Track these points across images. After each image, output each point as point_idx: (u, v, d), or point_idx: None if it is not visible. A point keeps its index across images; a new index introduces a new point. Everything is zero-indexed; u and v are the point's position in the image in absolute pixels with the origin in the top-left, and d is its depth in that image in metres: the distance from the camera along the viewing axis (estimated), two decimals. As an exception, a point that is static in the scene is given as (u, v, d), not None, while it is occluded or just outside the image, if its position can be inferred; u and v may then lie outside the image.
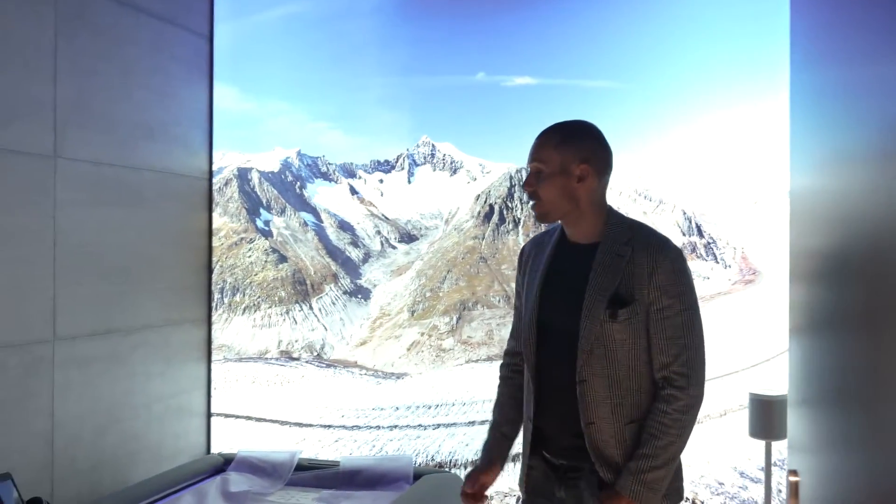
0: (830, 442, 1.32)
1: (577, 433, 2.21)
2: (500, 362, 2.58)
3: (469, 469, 2.57)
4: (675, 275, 2.17)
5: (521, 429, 2.45)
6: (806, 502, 1.55)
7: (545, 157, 2.23)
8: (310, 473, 4.05)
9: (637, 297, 2.15)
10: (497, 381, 2.57)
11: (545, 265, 2.33)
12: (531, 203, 2.29)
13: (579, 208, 2.25)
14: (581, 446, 2.21)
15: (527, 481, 2.40)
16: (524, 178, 2.28)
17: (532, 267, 2.39)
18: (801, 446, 1.67)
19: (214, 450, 4.51)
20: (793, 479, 1.60)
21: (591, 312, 2.16)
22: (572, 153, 2.23)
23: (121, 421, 3.86)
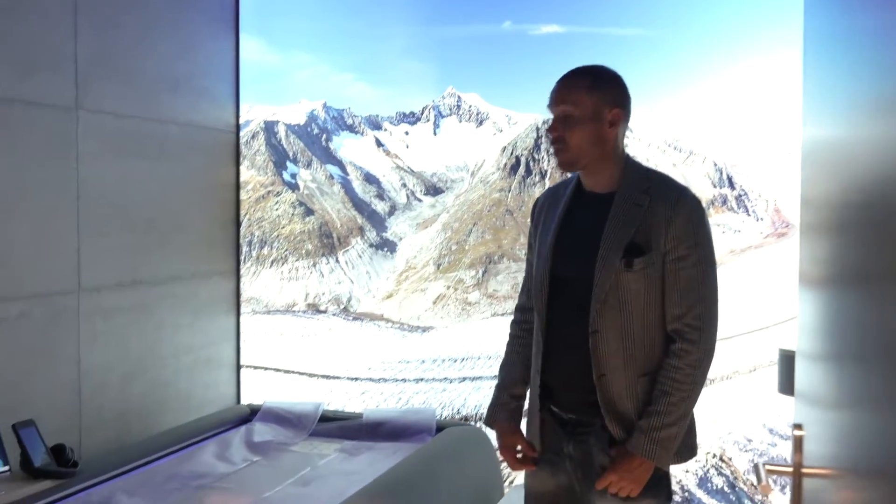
0: (838, 398, 1.30)
1: (588, 387, 2.16)
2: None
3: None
4: (692, 225, 2.11)
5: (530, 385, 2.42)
6: (810, 457, 1.53)
7: (576, 100, 2.14)
8: (333, 425, 4.09)
9: (654, 247, 2.10)
10: (507, 339, 2.51)
11: (560, 216, 2.27)
12: (554, 150, 2.20)
13: (604, 156, 2.19)
14: (591, 401, 2.16)
15: (533, 436, 2.36)
16: (551, 122, 2.18)
17: (546, 219, 2.33)
18: (808, 400, 1.64)
19: (244, 401, 4.56)
20: (797, 433, 1.58)
21: (607, 261, 2.11)
22: (604, 97, 2.16)
23: (149, 371, 3.90)
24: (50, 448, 2.74)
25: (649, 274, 2.10)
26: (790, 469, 1.53)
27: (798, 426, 1.58)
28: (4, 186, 3.14)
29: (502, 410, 2.41)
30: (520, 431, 2.39)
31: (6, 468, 2.52)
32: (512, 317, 2.53)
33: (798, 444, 1.54)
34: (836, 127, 1.43)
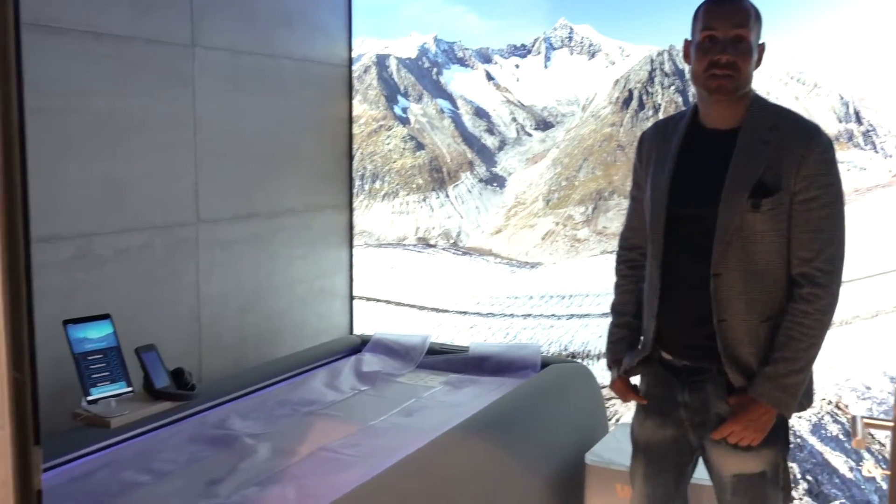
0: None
1: (706, 332, 2.10)
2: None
3: (605, 363, 2.50)
4: (825, 164, 2.02)
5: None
6: None
7: (749, 25, 2.05)
8: (440, 357, 4.16)
9: (783, 186, 2.01)
10: (615, 279, 2.47)
11: (675, 152, 2.18)
12: (724, 74, 2.05)
13: (746, 89, 2.11)
14: (708, 346, 2.10)
15: (642, 384, 2.34)
16: (714, 45, 2.04)
17: (658, 155, 2.23)
18: None
19: (356, 332, 4.68)
20: None
21: (731, 201, 2.03)
22: (760, 29, 2.10)
23: (264, 300, 4.04)
24: (170, 371, 2.87)
25: (777, 214, 2.02)
26: (891, 423, 1.47)
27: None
28: (126, 122, 3.27)
29: (622, 345, 2.38)
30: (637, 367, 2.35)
31: (129, 389, 2.67)
32: (616, 255, 2.49)
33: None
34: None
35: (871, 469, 2.66)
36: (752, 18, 2.06)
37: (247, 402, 3.48)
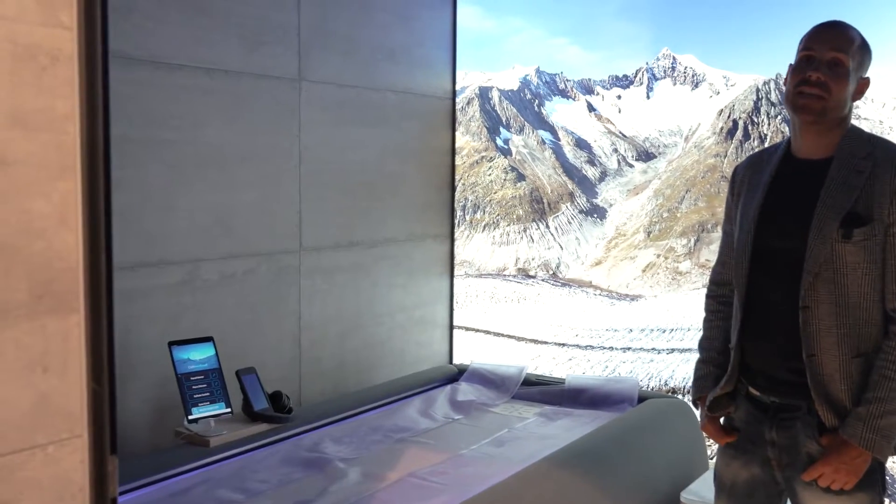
0: None
1: (794, 367, 2.02)
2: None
3: (693, 400, 2.44)
4: None
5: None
6: None
7: (851, 51, 2.00)
8: (536, 389, 4.13)
9: (876, 216, 1.92)
10: (704, 314, 2.40)
11: (766, 184, 2.12)
12: (808, 93, 1.99)
13: (841, 120, 2.04)
14: (797, 382, 2.02)
15: (730, 423, 2.25)
16: (809, 64, 1.98)
17: (750, 187, 2.17)
18: None
19: (456, 360, 4.70)
20: None
21: (822, 231, 1.95)
22: (864, 61, 2.04)
23: (364, 327, 4.10)
24: (268, 394, 2.96)
25: (869, 246, 1.93)
26: None
27: None
28: (235, 153, 3.39)
29: (708, 381, 2.30)
30: (732, 407, 2.27)
31: (229, 410, 2.76)
32: (706, 290, 2.44)
33: None
34: None
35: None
36: (854, 45, 2.01)
37: (341, 427, 3.54)
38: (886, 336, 1.97)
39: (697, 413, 2.39)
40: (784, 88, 2.13)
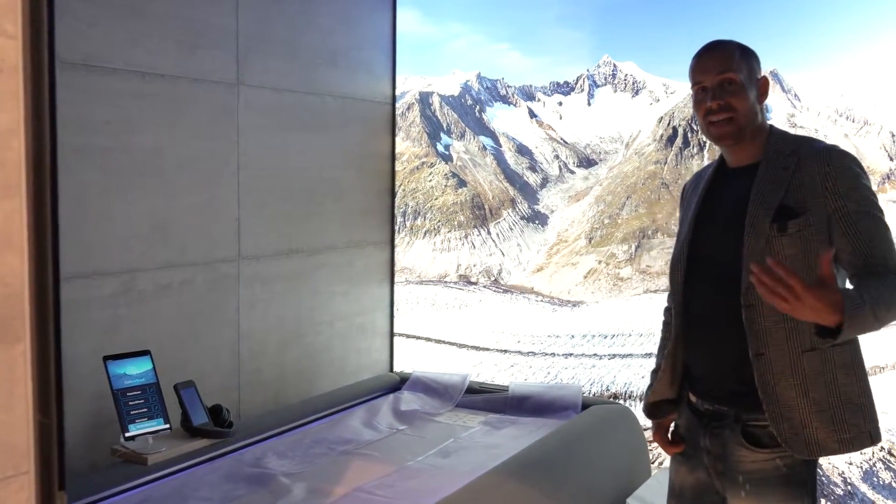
0: None
1: (739, 372, 2.02)
2: None
3: (643, 406, 2.46)
4: (856, 178, 1.95)
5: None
6: None
7: (735, 66, 2.05)
8: (479, 397, 4.12)
9: (810, 207, 1.95)
10: (661, 325, 2.43)
11: (700, 194, 2.19)
12: (717, 121, 2.05)
13: (757, 127, 2.08)
14: (736, 390, 2.04)
15: (677, 430, 2.28)
16: (705, 95, 2.05)
17: (690, 199, 2.25)
18: None
19: (396, 368, 4.66)
20: None
21: (756, 227, 1.98)
22: (753, 64, 2.10)
23: (304, 336, 4.04)
24: (208, 408, 2.88)
25: (805, 236, 1.95)
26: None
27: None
28: (172, 160, 3.30)
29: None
30: (675, 414, 2.32)
31: (167, 426, 2.67)
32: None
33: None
34: None
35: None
36: (735, 58, 2.07)
37: (284, 440, 3.47)
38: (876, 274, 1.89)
39: (649, 421, 2.40)
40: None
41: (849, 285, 1.98)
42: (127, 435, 2.61)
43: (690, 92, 2.21)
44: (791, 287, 1.71)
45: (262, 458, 3.22)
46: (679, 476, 2.29)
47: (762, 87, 2.10)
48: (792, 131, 2.19)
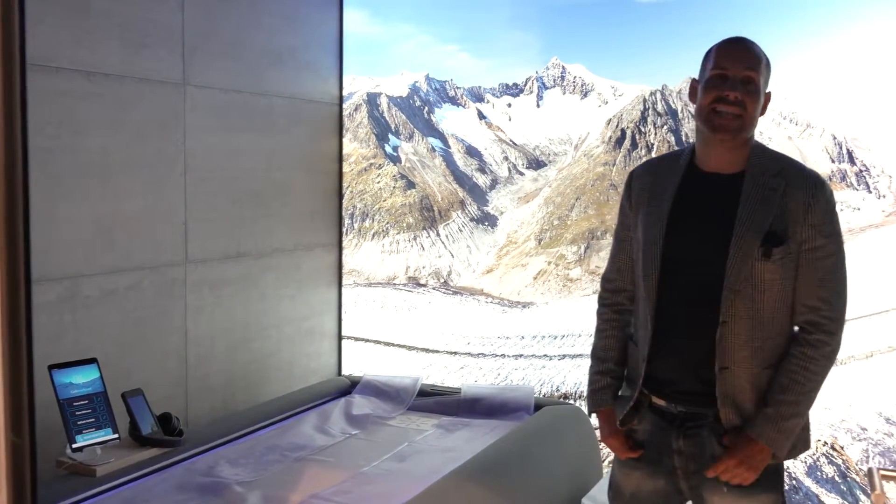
0: None
1: (705, 378, 2.06)
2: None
3: (586, 406, 2.44)
4: (829, 214, 2.02)
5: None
6: None
7: (760, 69, 2.05)
8: (431, 399, 4.09)
9: (790, 235, 2.00)
10: (597, 322, 2.37)
11: (672, 194, 2.13)
12: (729, 112, 2.02)
13: (751, 135, 2.09)
14: (705, 392, 2.06)
15: (632, 435, 2.25)
16: (724, 83, 2.01)
17: (652, 196, 2.18)
18: None
19: (345, 372, 4.62)
20: None
21: (743, 249, 2.00)
22: (768, 79, 2.10)
23: (253, 341, 3.98)
24: (157, 416, 2.81)
25: (785, 263, 2.01)
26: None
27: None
28: (117, 161, 3.23)
29: (606, 394, 2.30)
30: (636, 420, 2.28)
31: (115, 436, 2.61)
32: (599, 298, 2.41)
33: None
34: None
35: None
36: (762, 63, 2.06)
37: (235, 448, 3.41)
38: (796, 343, 2.05)
39: (595, 422, 2.38)
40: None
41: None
42: (74, 446, 2.54)
43: (693, 78, 2.17)
44: (729, 470, 2.04)
45: (214, 467, 3.16)
46: (630, 481, 2.26)
47: (766, 101, 2.10)
48: None
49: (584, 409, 2.88)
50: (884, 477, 1.34)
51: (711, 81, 2.05)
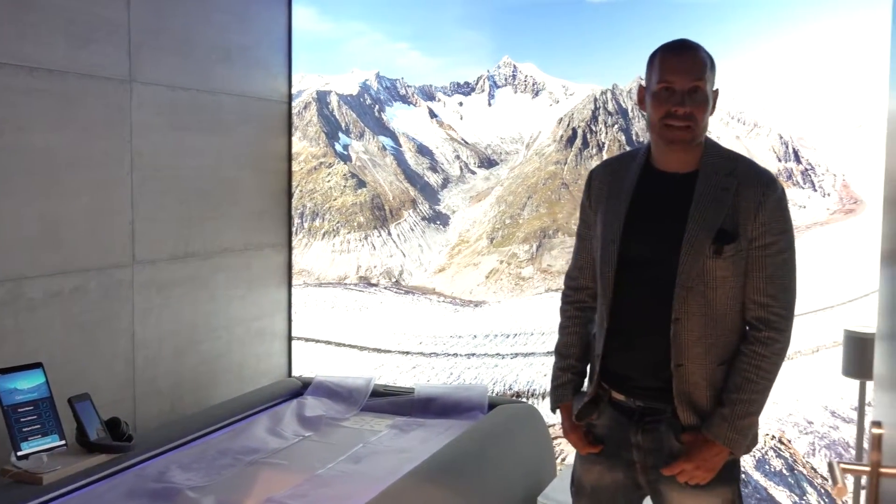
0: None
1: (661, 375, 2.08)
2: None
3: (548, 402, 2.44)
4: (780, 212, 2.05)
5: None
6: (891, 456, 1.41)
7: (706, 76, 2.05)
8: (384, 400, 4.07)
9: (741, 233, 2.03)
10: (560, 320, 2.39)
11: (628, 193, 2.15)
12: (680, 126, 2.03)
13: (703, 136, 2.11)
14: (663, 388, 2.09)
15: (591, 430, 2.26)
16: (671, 97, 2.02)
17: (610, 194, 2.20)
18: (889, 387, 1.51)
19: (296, 373, 4.58)
20: (876, 431, 1.43)
21: (695, 247, 2.02)
22: (714, 79, 2.10)
23: (202, 343, 3.92)
24: (105, 421, 2.75)
25: (736, 261, 2.04)
26: (867, 468, 1.42)
27: (877, 423, 1.46)
28: (61, 159, 3.16)
29: (567, 389, 2.31)
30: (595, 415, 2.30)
31: (62, 442, 2.55)
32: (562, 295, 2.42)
33: (877, 443, 1.42)
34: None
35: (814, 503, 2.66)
36: (707, 68, 2.07)
37: (187, 452, 3.34)
38: (748, 342, 2.08)
39: (558, 420, 2.38)
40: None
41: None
42: (19, 454, 2.49)
43: (641, 84, 2.19)
44: (686, 472, 2.06)
45: (165, 472, 3.09)
46: (591, 475, 2.27)
47: (714, 99, 2.11)
48: None
49: (538, 407, 2.90)
50: (844, 470, 1.35)
51: (659, 96, 2.06)
